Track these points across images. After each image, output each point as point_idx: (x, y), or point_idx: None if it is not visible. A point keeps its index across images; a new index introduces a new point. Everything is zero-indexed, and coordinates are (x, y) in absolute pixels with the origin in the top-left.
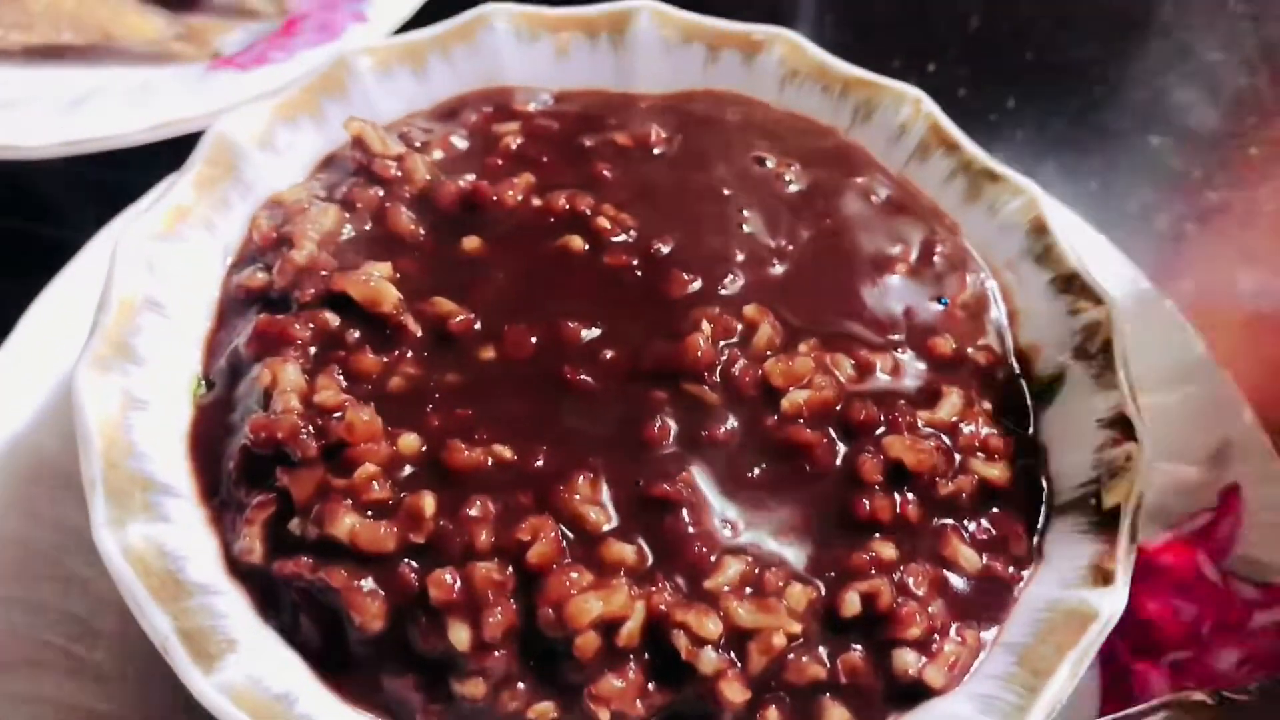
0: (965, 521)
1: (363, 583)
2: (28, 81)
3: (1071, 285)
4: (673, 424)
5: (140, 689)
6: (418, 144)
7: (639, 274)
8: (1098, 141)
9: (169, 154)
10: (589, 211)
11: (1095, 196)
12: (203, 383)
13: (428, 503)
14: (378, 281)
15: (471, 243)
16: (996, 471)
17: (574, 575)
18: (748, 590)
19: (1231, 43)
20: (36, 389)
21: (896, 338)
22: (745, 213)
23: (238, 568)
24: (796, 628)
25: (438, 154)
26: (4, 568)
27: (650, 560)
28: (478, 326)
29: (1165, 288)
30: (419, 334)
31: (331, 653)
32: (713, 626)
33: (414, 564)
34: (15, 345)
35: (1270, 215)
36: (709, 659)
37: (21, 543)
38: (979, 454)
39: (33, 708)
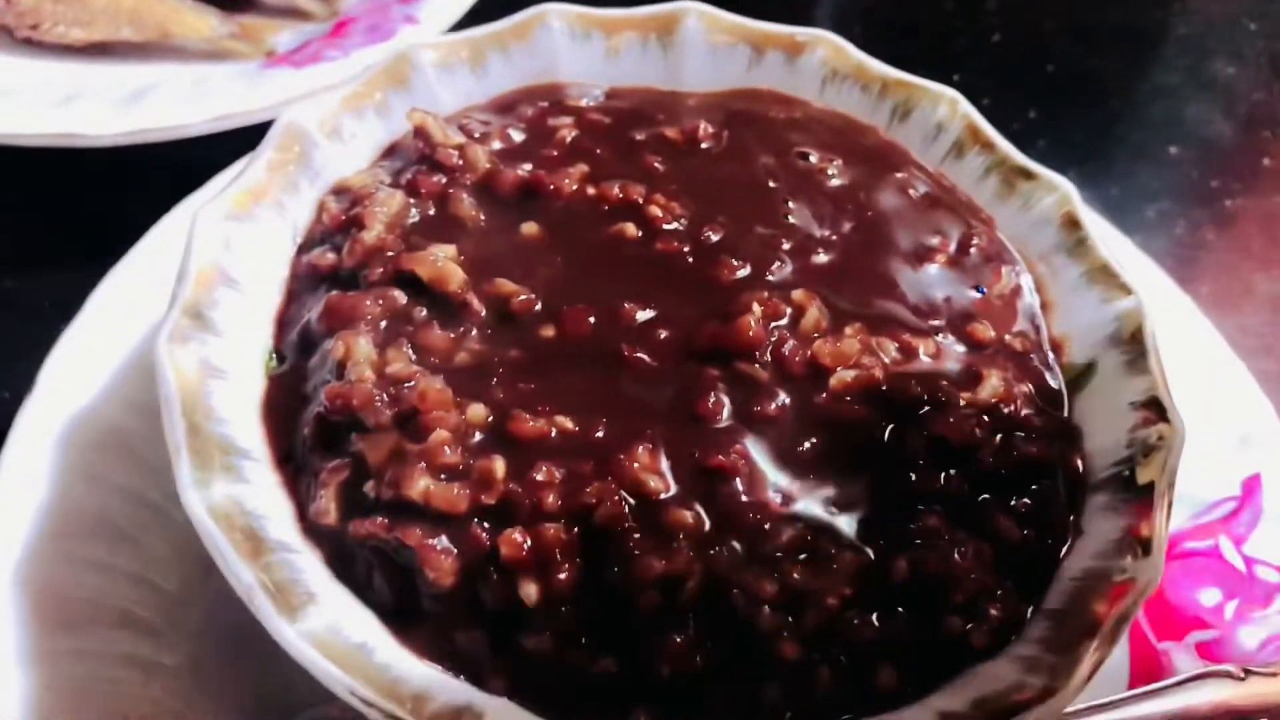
0: (1006, 495)
1: (436, 541)
2: (90, 75)
3: (1103, 277)
4: (726, 400)
5: (197, 647)
6: (476, 135)
7: (690, 260)
8: (1117, 151)
9: (227, 145)
10: (641, 200)
11: (1115, 203)
12: (274, 355)
13: (498, 466)
14: (444, 261)
15: (530, 228)
16: (1035, 449)
17: (636, 536)
18: (802, 555)
19: (1246, 58)
20: (105, 363)
21: (937, 323)
22: (790, 204)
23: (311, 529)
24: (849, 591)
25: (496, 145)
26: (71, 531)
27: (708, 526)
28: (538, 307)
29: (1184, 289)
30: (482, 313)
31: (403, 609)
32: (769, 587)
33: (485, 524)
34: (84, 321)
35: None
36: (766, 617)
37: (89, 508)
38: (1018, 433)
39: (93, 662)
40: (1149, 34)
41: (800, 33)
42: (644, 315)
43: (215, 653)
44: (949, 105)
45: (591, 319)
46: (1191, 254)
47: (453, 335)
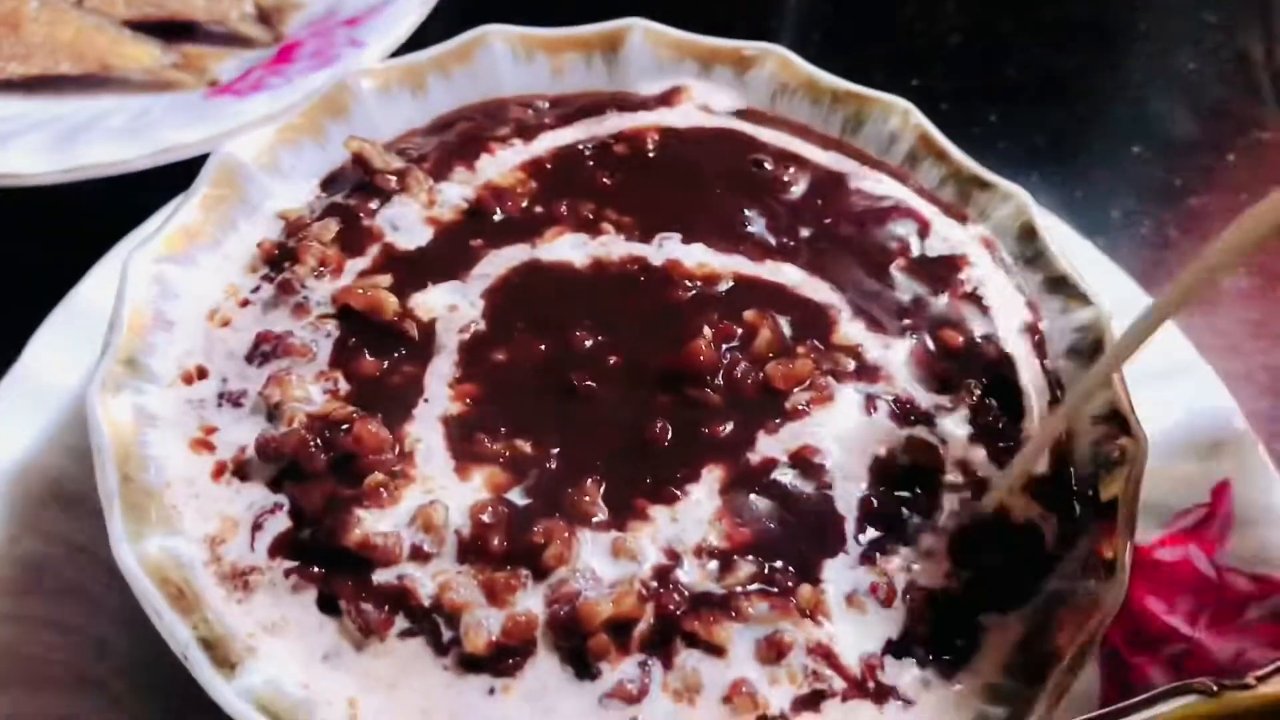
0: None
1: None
2: (27, 111)
3: (1062, 287)
4: (677, 426)
5: (146, 702)
6: (416, 158)
7: (641, 279)
8: (1080, 152)
9: (170, 179)
10: (591, 217)
11: (1080, 205)
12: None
13: (438, 511)
14: (375, 291)
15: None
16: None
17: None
18: (755, 587)
19: (1207, 54)
20: (45, 410)
21: (906, 329)
22: (746, 213)
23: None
24: (810, 629)
25: None
26: (16, 586)
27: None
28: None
29: (1150, 292)
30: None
31: None
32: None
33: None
34: (23, 368)
35: None
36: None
37: (33, 561)
38: (987, 449)
39: None
40: (1109, 31)
41: (748, 46)
42: (593, 342)
43: (164, 709)
44: (901, 116)
45: (542, 346)
46: (1157, 254)
47: (387, 363)
